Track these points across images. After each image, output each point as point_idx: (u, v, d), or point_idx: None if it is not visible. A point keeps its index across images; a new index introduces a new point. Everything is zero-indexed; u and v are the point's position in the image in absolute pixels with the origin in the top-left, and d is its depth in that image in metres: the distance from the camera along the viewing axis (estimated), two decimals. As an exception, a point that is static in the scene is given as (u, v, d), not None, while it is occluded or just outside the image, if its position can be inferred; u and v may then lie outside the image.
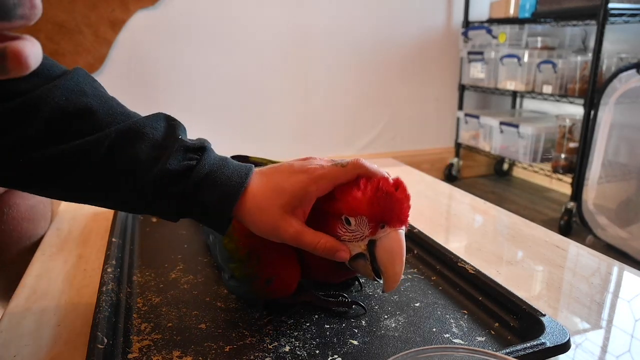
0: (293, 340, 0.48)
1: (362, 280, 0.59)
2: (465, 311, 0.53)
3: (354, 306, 0.52)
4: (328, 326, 0.50)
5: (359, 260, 0.47)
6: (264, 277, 0.50)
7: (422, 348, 0.31)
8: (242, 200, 0.45)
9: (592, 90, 2.15)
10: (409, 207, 0.46)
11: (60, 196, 0.46)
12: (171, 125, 0.47)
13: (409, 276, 0.60)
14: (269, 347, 0.46)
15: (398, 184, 0.46)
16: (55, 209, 0.83)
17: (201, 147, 0.47)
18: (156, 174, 0.43)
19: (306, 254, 0.50)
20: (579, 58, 2.32)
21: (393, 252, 0.45)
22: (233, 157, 0.71)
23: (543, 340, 0.43)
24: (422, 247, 0.65)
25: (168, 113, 0.51)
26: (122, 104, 0.47)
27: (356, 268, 0.48)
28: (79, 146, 0.42)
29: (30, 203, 0.72)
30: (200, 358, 0.45)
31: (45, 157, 0.41)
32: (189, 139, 0.48)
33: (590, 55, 2.20)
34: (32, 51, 0.26)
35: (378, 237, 0.45)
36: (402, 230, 0.46)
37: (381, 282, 0.47)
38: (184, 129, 0.49)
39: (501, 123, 2.65)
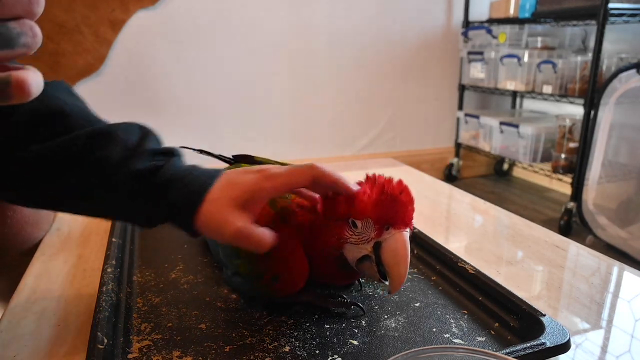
0: (293, 340, 0.48)
1: (362, 280, 0.59)
2: (465, 311, 0.53)
3: (352, 307, 0.52)
4: (328, 326, 0.50)
5: (365, 262, 0.48)
6: (271, 274, 0.50)
7: (422, 348, 0.31)
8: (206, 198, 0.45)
9: (592, 90, 2.15)
10: (412, 209, 0.47)
11: (32, 201, 0.45)
12: (144, 132, 0.48)
13: (409, 276, 0.60)
14: (269, 347, 0.46)
15: (402, 188, 0.47)
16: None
17: (170, 151, 0.48)
18: (125, 174, 0.43)
19: (311, 255, 0.50)
20: (579, 58, 2.32)
21: (398, 253, 0.46)
22: (236, 157, 0.71)
23: (543, 340, 0.43)
24: (422, 247, 0.65)
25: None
26: (98, 114, 0.48)
27: (362, 270, 0.49)
28: (51, 147, 0.41)
29: None
30: (200, 358, 0.45)
31: (17, 158, 0.41)
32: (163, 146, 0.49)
33: (590, 55, 2.20)
34: (35, 79, 0.27)
35: (383, 239, 0.46)
36: (407, 232, 0.47)
37: (387, 283, 0.48)
38: (159, 138, 0.49)
39: (501, 123, 2.65)
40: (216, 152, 0.80)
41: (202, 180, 0.46)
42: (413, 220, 0.47)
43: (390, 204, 0.46)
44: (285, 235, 0.50)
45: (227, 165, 0.72)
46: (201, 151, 0.76)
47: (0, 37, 0.26)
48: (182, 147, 0.83)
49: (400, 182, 0.48)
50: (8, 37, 0.26)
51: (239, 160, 0.69)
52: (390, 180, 0.48)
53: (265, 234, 0.46)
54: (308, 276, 0.51)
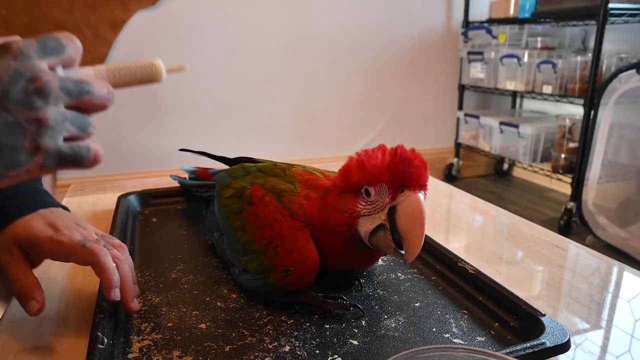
0: (293, 340, 0.48)
1: (362, 281, 0.59)
2: (465, 311, 0.53)
3: (352, 308, 0.52)
4: (328, 326, 0.50)
5: (379, 233, 0.48)
6: (282, 267, 0.51)
7: (422, 348, 0.31)
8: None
9: (592, 90, 2.15)
10: (427, 174, 0.47)
11: None
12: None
13: (409, 276, 0.60)
14: (269, 347, 0.46)
15: (416, 155, 0.47)
16: None
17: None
18: None
19: (322, 245, 0.51)
20: (579, 58, 2.32)
21: (414, 214, 0.45)
22: (239, 159, 0.72)
23: (543, 340, 0.43)
24: (422, 247, 0.65)
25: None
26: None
27: (376, 242, 0.48)
28: None
29: None
30: (200, 358, 0.45)
31: None
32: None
33: (590, 55, 2.20)
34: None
35: (398, 202, 0.46)
36: (422, 194, 0.46)
37: (402, 252, 0.47)
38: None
39: (501, 123, 2.65)
40: (217, 152, 0.80)
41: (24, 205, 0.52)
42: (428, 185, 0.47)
43: (404, 165, 0.46)
44: (294, 229, 0.51)
45: (226, 167, 0.72)
46: (202, 153, 0.77)
47: (81, 123, 0.37)
48: (182, 149, 0.84)
49: (413, 149, 0.47)
50: (81, 158, 0.38)
51: (240, 161, 0.69)
52: (402, 146, 0.48)
53: (24, 274, 0.49)
54: (320, 268, 0.51)
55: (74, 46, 0.38)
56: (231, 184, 0.61)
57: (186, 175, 0.85)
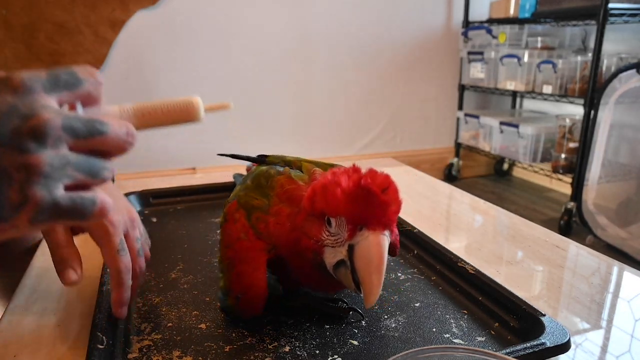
0: (293, 340, 0.48)
1: (345, 302, 0.58)
2: (465, 311, 0.53)
3: (351, 312, 0.51)
4: (328, 326, 0.50)
5: (340, 269, 0.43)
6: (235, 293, 0.48)
7: (422, 348, 0.31)
8: None
9: (592, 90, 2.15)
10: (395, 211, 0.41)
11: None
12: None
13: (409, 276, 0.60)
14: (269, 347, 0.46)
15: (386, 185, 0.40)
16: None
17: None
18: None
19: (293, 266, 0.48)
20: (579, 58, 2.32)
21: (370, 259, 0.39)
22: (261, 156, 0.70)
23: (543, 340, 0.43)
24: (422, 247, 0.65)
25: None
26: None
27: (339, 277, 0.44)
28: None
29: None
30: (200, 358, 0.45)
31: None
32: None
33: (590, 55, 2.20)
34: (110, 202, 0.33)
35: (356, 242, 0.40)
36: (385, 236, 0.40)
37: (361, 295, 0.42)
38: None
39: (501, 123, 2.65)
40: (215, 151, 0.80)
41: None
42: (397, 222, 0.43)
43: (364, 200, 0.39)
44: (252, 251, 0.48)
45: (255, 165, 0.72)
46: (233, 156, 0.76)
47: (90, 168, 0.32)
48: (219, 154, 0.83)
49: (386, 177, 0.41)
50: (96, 168, 0.32)
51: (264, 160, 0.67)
52: (373, 173, 0.41)
53: None
54: (293, 287, 0.50)
55: (92, 80, 0.34)
56: (229, 197, 0.60)
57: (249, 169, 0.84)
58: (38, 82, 0.31)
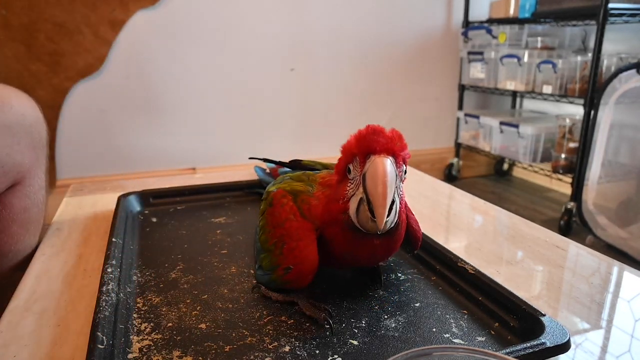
0: (293, 340, 0.48)
1: (383, 278, 0.59)
2: (465, 311, 0.53)
3: (327, 324, 0.50)
4: (328, 326, 0.50)
5: (360, 208, 0.48)
6: (283, 265, 0.52)
7: (422, 348, 0.31)
8: None
9: (592, 90, 2.15)
10: (400, 143, 0.47)
11: None
12: None
13: (409, 276, 0.60)
14: (269, 347, 0.46)
15: (391, 130, 0.48)
16: (50, 217, 0.81)
17: None
18: None
19: (330, 241, 0.52)
20: (579, 58, 2.32)
21: (376, 174, 0.45)
22: (292, 162, 0.74)
23: (543, 340, 0.43)
24: (422, 247, 0.65)
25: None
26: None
27: (361, 220, 0.48)
28: None
29: (24, 205, 0.70)
30: (200, 358, 0.45)
31: None
32: None
33: (590, 55, 2.20)
34: None
35: (366, 169, 0.47)
36: (389, 159, 0.46)
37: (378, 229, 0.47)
38: None
39: (501, 123, 2.65)
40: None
41: None
42: (404, 152, 0.48)
43: (371, 134, 0.47)
44: (302, 230, 0.52)
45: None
46: (265, 160, 0.80)
47: None
48: (251, 157, 0.86)
49: (392, 129, 0.48)
50: None
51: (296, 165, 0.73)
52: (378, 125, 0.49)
53: None
54: (329, 265, 0.53)
55: None
56: (268, 189, 0.64)
57: (267, 168, 0.88)
58: None
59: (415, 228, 0.58)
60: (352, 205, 0.48)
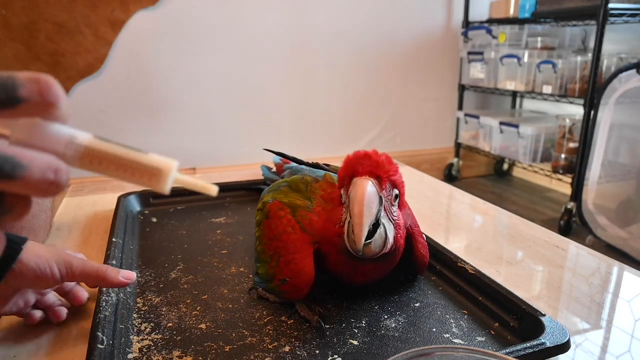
0: (293, 340, 0.48)
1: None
2: (465, 311, 0.53)
3: (318, 326, 0.50)
4: (328, 326, 0.50)
5: (348, 230, 0.48)
6: (280, 277, 0.53)
7: (422, 348, 0.31)
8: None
9: (592, 90, 2.15)
10: (388, 168, 0.48)
11: None
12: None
13: (409, 276, 0.60)
14: (269, 347, 0.46)
15: (382, 154, 0.49)
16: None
17: None
18: None
19: (328, 259, 0.52)
20: (579, 58, 2.32)
21: (355, 194, 0.46)
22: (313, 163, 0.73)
23: (543, 340, 0.43)
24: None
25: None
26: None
27: (348, 241, 0.48)
28: None
29: (32, 211, 0.70)
30: (200, 358, 0.45)
31: None
32: None
33: (590, 55, 2.20)
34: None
35: (350, 192, 0.48)
36: (370, 180, 0.47)
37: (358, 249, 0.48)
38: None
39: (501, 123, 2.65)
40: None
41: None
42: (393, 176, 0.48)
43: (356, 158, 0.48)
44: (300, 242, 0.53)
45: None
46: (280, 154, 0.78)
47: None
48: (265, 149, 0.84)
49: (384, 153, 0.49)
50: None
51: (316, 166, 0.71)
52: (375, 151, 0.50)
53: None
54: (313, 282, 0.52)
55: (40, 90, 0.25)
56: (263, 197, 0.64)
57: (273, 167, 0.88)
58: None
59: (422, 253, 0.57)
60: (345, 229, 0.49)
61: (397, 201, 0.51)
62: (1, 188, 0.24)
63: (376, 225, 0.47)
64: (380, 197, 0.48)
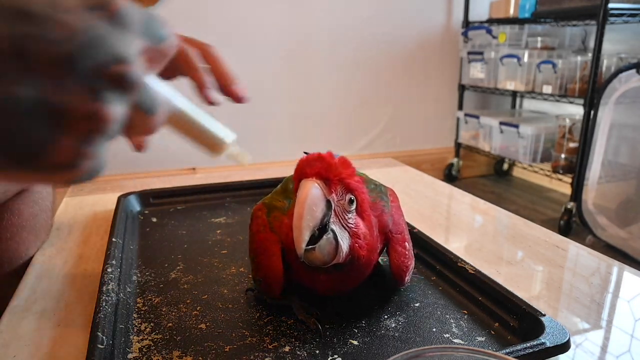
0: (293, 340, 0.48)
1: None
2: (465, 311, 0.53)
3: (314, 327, 0.49)
4: (328, 326, 0.50)
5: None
6: (257, 277, 0.54)
7: (422, 348, 0.31)
8: None
9: (592, 90, 2.15)
10: (340, 171, 0.46)
11: None
12: None
13: (409, 276, 0.60)
14: (269, 347, 0.46)
15: (328, 155, 0.46)
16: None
17: None
18: None
19: (291, 262, 0.50)
20: (579, 58, 2.32)
21: (298, 197, 0.44)
22: None
23: (543, 340, 0.43)
24: (422, 247, 0.65)
25: None
26: None
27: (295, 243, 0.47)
28: None
29: (33, 211, 0.70)
30: (200, 358, 0.45)
31: None
32: None
33: (590, 55, 2.20)
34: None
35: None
36: (315, 182, 0.44)
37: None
38: None
39: (501, 123, 2.65)
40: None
41: None
42: (346, 179, 0.46)
43: (307, 160, 0.46)
44: (268, 242, 0.52)
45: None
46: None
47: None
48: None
49: (341, 156, 0.47)
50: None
51: None
52: (330, 153, 0.47)
53: None
54: (284, 284, 0.51)
55: (173, 39, 0.28)
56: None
57: None
58: (136, 20, 0.25)
59: (397, 263, 0.53)
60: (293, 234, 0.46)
61: (353, 207, 0.47)
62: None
63: (323, 230, 0.45)
64: (329, 201, 0.45)
